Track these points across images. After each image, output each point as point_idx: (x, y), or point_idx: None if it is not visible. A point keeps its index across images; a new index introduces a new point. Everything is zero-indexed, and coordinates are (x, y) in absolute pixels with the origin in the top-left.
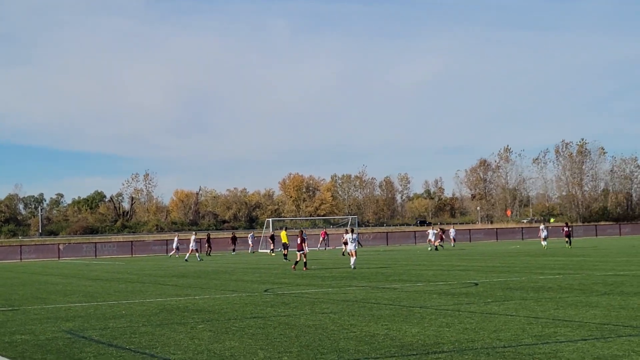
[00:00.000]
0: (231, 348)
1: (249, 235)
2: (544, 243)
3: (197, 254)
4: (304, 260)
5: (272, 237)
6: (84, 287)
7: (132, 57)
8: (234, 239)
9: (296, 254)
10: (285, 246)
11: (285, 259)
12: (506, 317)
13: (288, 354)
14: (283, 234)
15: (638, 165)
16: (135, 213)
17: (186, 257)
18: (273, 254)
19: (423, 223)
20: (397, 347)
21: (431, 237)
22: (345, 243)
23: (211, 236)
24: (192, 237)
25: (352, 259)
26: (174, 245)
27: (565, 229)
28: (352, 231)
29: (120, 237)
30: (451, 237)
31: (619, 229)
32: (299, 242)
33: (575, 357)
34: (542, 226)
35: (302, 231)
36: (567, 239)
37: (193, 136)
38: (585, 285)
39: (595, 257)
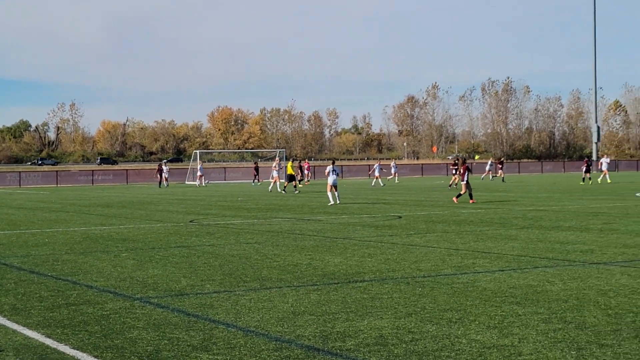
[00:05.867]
0: (154, 276)
1: (259, 170)
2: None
3: (277, 183)
4: (469, 192)
5: (257, 169)
6: (6, 215)
7: None
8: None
9: (461, 186)
10: (291, 178)
11: (295, 189)
12: (427, 249)
13: (211, 282)
14: (289, 165)
15: (561, 105)
16: (60, 143)
17: (283, 189)
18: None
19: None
20: (320, 276)
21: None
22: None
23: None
24: (275, 165)
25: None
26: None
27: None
28: (333, 163)
29: (45, 167)
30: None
31: (541, 167)
32: (462, 171)
33: (492, 287)
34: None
35: (464, 160)
36: (587, 174)
37: (121, 66)
38: (506, 219)
39: (517, 193)
